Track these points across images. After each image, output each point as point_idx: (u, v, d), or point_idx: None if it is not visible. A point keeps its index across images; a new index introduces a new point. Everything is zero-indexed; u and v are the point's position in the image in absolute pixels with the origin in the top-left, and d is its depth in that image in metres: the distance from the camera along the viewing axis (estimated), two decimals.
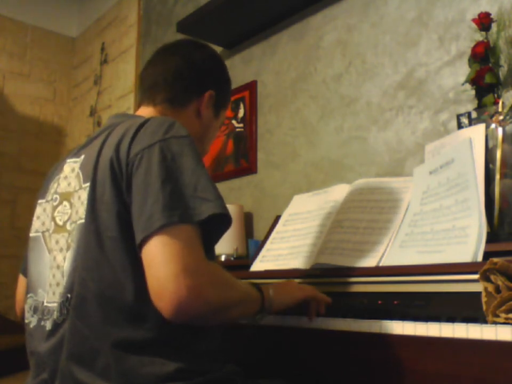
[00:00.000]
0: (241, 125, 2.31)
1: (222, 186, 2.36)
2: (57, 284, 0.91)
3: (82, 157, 0.98)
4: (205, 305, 0.79)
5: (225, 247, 1.97)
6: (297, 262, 1.35)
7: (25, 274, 1.05)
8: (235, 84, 2.31)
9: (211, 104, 1.14)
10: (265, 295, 0.97)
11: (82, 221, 0.89)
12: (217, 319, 0.87)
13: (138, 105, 1.14)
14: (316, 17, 2.04)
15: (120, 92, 3.12)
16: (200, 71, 1.13)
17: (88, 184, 0.91)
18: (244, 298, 0.92)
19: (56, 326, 0.88)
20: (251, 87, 2.28)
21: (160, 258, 0.77)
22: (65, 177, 0.98)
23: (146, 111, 1.09)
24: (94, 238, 0.86)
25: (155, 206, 0.80)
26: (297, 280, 1.25)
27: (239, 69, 2.36)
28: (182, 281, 0.75)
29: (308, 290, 1.08)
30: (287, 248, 1.45)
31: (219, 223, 0.87)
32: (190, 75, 1.11)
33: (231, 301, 0.86)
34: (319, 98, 1.99)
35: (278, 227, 1.57)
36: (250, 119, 2.26)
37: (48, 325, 0.90)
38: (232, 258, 1.95)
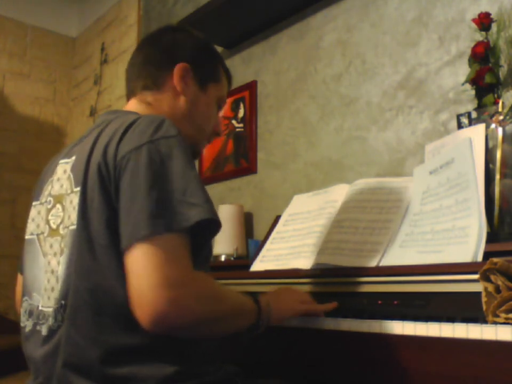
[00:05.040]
0: (241, 125, 2.31)
1: (222, 186, 2.36)
2: (52, 289, 0.90)
3: (74, 157, 0.96)
4: (186, 318, 0.77)
5: (225, 247, 1.97)
6: (297, 262, 1.35)
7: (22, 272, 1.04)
8: (235, 84, 2.31)
9: (190, 78, 1.08)
10: (262, 308, 0.94)
11: (74, 227, 0.87)
12: (204, 332, 0.85)
13: (127, 101, 1.12)
14: (316, 17, 2.04)
15: (120, 91, 3.11)
16: (167, 48, 1.09)
17: (79, 188, 0.89)
18: (236, 311, 0.89)
19: (51, 332, 0.87)
20: (251, 87, 2.28)
21: (141, 267, 0.76)
22: (58, 179, 0.97)
23: (132, 104, 1.07)
24: (85, 245, 0.84)
25: (141, 214, 0.78)
26: (297, 281, 1.25)
27: (239, 69, 2.36)
28: (161, 292, 0.74)
29: (305, 302, 1.07)
30: (287, 248, 1.45)
31: (208, 227, 0.84)
32: (158, 54, 1.09)
33: (218, 314, 0.84)
34: (319, 98, 1.99)
35: (278, 227, 1.57)
36: (250, 119, 2.26)
37: (43, 330, 0.89)
38: (232, 258, 1.95)
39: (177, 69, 1.06)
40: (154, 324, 0.75)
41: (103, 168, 0.85)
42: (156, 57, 1.09)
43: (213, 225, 0.85)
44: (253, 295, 0.95)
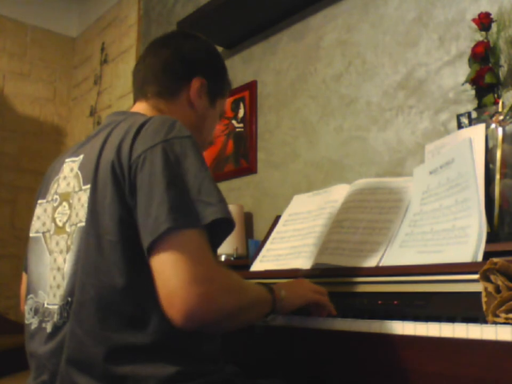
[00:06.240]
0: (241, 125, 2.31)
1: (222, 186, 2.36)
2: (58, 286, 0.90)
3: (81, 156, 0.97)
4: (218, 312, 0.79)
5: (225, 247, 1.96)
6: (297, 262, 1.35)
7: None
8: (235, 84, 2.31)
9: (204, 93, 1.12)
10: (276, 296, 0.96)
11: (83, 224, 0.88)
12: (231, 325, 0.87)
13: (134, 102, 1.13)
14: (316, 17, 2.04)
15: (120, 91, 3.12)
16: (188, 61, 1.11)
17: (88, 186, 0.89)
18: (256, 301, 0.91)
19: (56, 329, 0.88)
20: (251, 87, 2.28)
21: (169, 266, 0.77)
22: (65, 177, 0.98)
23: (140, 107, 1.08)
24: (93, 242, 0.85)
25: (161, 208, 0.79)
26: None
27: (239, 69, 2.36)
28: (192, 289, 0.75)
29: (318, 292, 1.07)
30: (287, 248, 1.45)
31: (222, 226, 0.86)
32: (178, 65, 1.10)
33: (244, 305, 0.86)
34: (319, 98, 1.99)
35: (278, 227, 1.57)
36: (250, 119, 2.26)
37: (48, 328, 0.90)
38: (232, 258, 1.95)
39: (196, 84, 1.10)
40: (187, 320, 0.76)
41: (116, 166, 0.86)
42: (176, 67, 1.10)
43: (226, 225, 0.86)
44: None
